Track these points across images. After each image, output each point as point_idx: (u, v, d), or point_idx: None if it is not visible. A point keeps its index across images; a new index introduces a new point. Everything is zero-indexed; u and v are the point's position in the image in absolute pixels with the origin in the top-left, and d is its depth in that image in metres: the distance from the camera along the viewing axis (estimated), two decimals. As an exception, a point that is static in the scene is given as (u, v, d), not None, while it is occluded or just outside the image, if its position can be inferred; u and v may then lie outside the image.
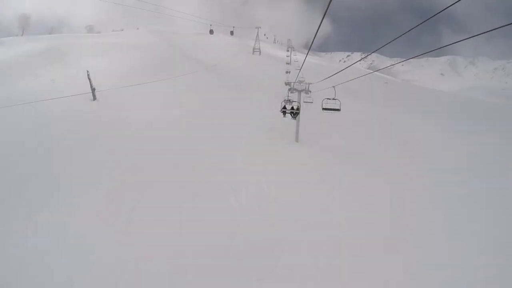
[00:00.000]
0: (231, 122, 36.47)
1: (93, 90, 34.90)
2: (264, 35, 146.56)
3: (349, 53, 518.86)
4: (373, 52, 13.19)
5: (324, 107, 24.05)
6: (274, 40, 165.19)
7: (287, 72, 60.20)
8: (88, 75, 35.31)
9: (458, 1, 6.63)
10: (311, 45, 14.22)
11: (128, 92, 37.51)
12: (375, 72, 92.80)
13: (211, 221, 19.43)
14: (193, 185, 22.92)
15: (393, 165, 31.21)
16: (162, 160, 25.71)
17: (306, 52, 18.29)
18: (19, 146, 24.46)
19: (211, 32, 62.23)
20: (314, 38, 12.07)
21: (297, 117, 31.82)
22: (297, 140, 33.58)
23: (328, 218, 21.37)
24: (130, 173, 23.31)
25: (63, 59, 51.03)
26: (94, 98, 34.88)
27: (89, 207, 19.27)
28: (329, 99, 23.40)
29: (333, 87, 22.34)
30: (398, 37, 9.32)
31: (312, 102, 31.93)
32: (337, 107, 23.57)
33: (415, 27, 8.51)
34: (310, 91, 33.04)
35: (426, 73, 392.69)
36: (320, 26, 10.31)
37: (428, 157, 34.29)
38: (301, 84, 33.61)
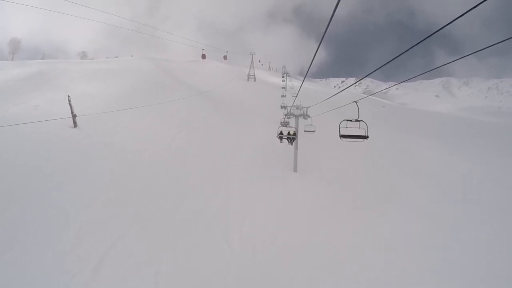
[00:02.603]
0: (224, 150, 34.07)
1: (73, 116, 32.85)
2: (259, 61, 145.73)
3: (343, 79, 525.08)
4: (366, 76, 11.84)
5: (343, 133, 16.70)
6: (269, 67, 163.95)
7: (282, 96, 59.02)
8: (69, 100, 33.38)
9: (447, 25, 6.59)
10: (308, 70, 13.85)
11: (113, 118, 35.79)
12: (372, 97, 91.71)
13: (196, 271, 16.50)
14: (177, 225, 20.08)
15: (402, 195, 27.98)
16: (145, 195, 23.10)
17: (302, 79, 17.09)
18: None
19: (203, 56, 60.99)
20: (310, 65, 12.03)
21: (294, 144, 29.65)
22: (295, 169, 30.84)
23: (335, 259, 18.37)
24: (107, 210, 20.63)
25: (50, 84, 50.15)
26: (75, 125, 32.76)
27: (55, 249, 16.63)
28: (350, 120, 16.34)
29: (355, 102, 15.65)
30: (390, 61, 9.09)
31: (314, 131, 29.14)
32: (363, 134, 16.46)
33: (407, 50, 8.19)
34: (309, 116, 30.85)
35: (421, 96, 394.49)
36: (315, 55, 10.48)
37: (438, 187, 31.43)
38: (299, 108, 31.56)
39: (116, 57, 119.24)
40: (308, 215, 23.02)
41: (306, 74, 15.21)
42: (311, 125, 28.33)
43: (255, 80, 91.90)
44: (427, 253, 19.41)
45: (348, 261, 18.24)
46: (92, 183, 23.48)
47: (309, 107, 31.16)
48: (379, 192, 28.04)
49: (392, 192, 28.26)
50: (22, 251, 16.17)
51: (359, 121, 16.05)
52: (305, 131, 28.87)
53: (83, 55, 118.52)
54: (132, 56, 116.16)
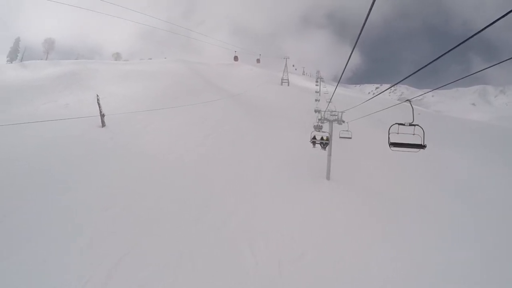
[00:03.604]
0: (253, 155, 32.59)
1: (102, 115, 32.42)
2: (293, 66, 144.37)
3: (378, 85, 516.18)
4: (400, 82, 10.66)
5: (393, 141, 13.61)
6: (303, 72, 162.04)
7: (316, 100, 57.82)
8: (97, 100, 33.05)
9: (484, 29, 6.12)
10: (341, 75, 13.08)
11: (143, 119, 35.23)
12: (407, 104, 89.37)
13: (216, 284, 14.93)
14: (199, 235, 18.45)
15: (437, 210, 25.82)
16: (165, 201, 21.68)
17: (336, 84, 15.63)
18: (8, 172, 22.20)
19: (236, 58, 59.96)
20: (344, 70, 11.67)
21: (328, 150, 28.15)
22: (328, 177, 28.84)
23: (369, 279, 16.44)
24: (124, 216, 19.39)
25: (81, 84, 50.44)
26: (103, 124, 32.36)
27: (68, 253, 15.57)
28: (402, 124, 13.43)
29: (409, 101, 12.86)
30: (425, 66, 8.52)
31: (350, 138, 27.67)
32: (419, 142, 13.37)
33: (442, 55, 7.63)
34: (344, 121, 29.43)
35: (457, 104, 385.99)
36: (349, 59, 10.07)
37: (476, 203, 29.14)
38: (333, 113, 30.18)
39: (150, 59, 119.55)
40: (340, 228, 21.02)
41: (340, 79, 14.38)
42: (347, 131, 26.87)
43: (288, 85, 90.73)
44: (465, 269, 17.91)
45: (382, 280, 16.45)
46: (110, 186, 22.47)
47: (344, 111, 29.76)
48: (414, 206, 26.09)
49: (427, 205, 26.42)
50: (33, 254, 15.22)
51: (413, 125, 12.53)
52: (340, 137, 27.42)
53: (117, 56, 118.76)
54: (165, 58, 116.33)
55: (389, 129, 13.47)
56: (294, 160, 31.89)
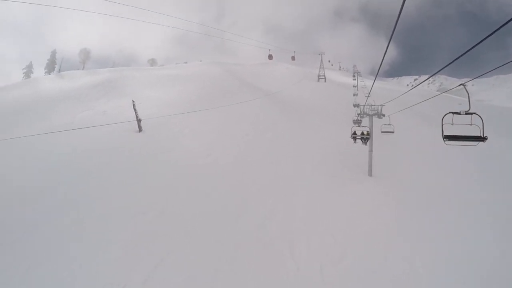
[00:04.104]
0: (292, 153, 31.71)
1: (138, 121, 32.46)
2: (329, 61, 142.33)
3: (416, 77, 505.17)
4: (438, 72, 9.82)
5: (448, 134, 11.64)
6: (339, 67, 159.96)
7: (354, 95, 56.78)
8: (133, 105, 33.16)
9: None
10: (379, 68, 13.04)
11: (179, 123, 35.13)
12: (448, 95, 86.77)
13: None
14: (236, 239, 17.68)
15: (491, 208, 22.93)
16: (202, 204, 21.15)
17: (373, 78, 14.65)
18: (46, 178, 22.63)
19: (270, 57, 59.21)
20: (381, 63, 11.55)
21: (369, 146, 27.16)
22: (370, 173, 27.68)
23: (418, 284, 15.16)
24: (160, 220, 19.02)
25: (118, 91, 50.99)
26: (140, 129, 32.38)
27: (102, 261, 15.22)
28: (457, 113, 11.74)
29: (463, 84, 10.81)
30: (462, 55, 8.15)
31: (393, 132, 26.50)
32: (478, 134, 12.33)
33: (479, 42, 7.22)
34: (384, 115, 28.37)
35: (498, 92, 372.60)
36: (386, 52, 10.10)
37: None
38: (372, 107, 29.18)
39: (185, 63, 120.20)
40: (384, 228, 19.58)
41: (378, 72, 14.03)
42: (389, 124, 25.84)
43: (325, 81, 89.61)
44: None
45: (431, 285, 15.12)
46: (147, 190, 22.26)
47: (384, 105, 28.72)
48: (464, 201, 23.66)
49: (475, 201, 23.92)
50: (68, 260, 15.04)
51: (470, 113, 10.99)
52: (382, 131, 26.44)
53: (153, 62, 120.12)
54: (200, 61, 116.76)
55: (442, 119, 11.56)
56: (334, 157, 30.97)
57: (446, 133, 11.53)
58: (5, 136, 25.79)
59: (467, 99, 12.49)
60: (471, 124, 10.74)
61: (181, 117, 35.67)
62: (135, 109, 33.27)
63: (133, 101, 33.97)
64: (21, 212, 18.67)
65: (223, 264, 15.53)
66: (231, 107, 42.54)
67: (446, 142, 11.70)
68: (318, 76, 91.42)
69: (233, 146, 32.16)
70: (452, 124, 10.99)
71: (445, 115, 11.34)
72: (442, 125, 11.48)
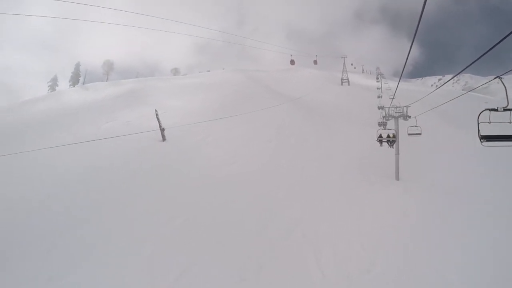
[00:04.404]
0: (317, 159, 31.41)
1: (162, 130, 32.52)
2: (351, 64, 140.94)
3: (440, 77, 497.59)
4: (463, 71, 9.33)
5: (485, 134, 10.67)
6: (362, 69, 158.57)
7: (378, 97, 56.18)
8: (156, 114, 33.25)
9: None
10: (403, 69, 12.81)
11: (203, 131, 35.09)
12: (473, 94, 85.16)
13: None
14: (261, 247, 17.33)
15: None
16: (227, 212, 20.88)
17: (397, 79, 14.18)
18: (73, 188, 22.77)
19: (292, 62, 58.69)
20: (405, 64, 11.63)
21: (395, 148, 26.64)
22: (397, 177, 27.13)
23: None
24: (186, 228, 18.83)
25: (141, 101, 51.37)
26: (164, 138, 32.42)
27: (126, 270, 15.10)
28: (495, 109, 10.59)
29: (499, 77, 9.90)
30: (487, 52, 7.88)
31: (420, 134, 26.10)
32: None
33: (504, 38, 7.02)
34: (410, 117, 27.74)
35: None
36: (409, 54, 10.17)
37: None
38: (397, 109, 28.61)
39: (208, 71, 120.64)
40: (414, 234, 18.83)
41: (402, 73, 13.65)
42: (416, 126, 25.26)
43: (349, 84, 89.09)
44: None
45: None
46: (172, 199, 22.08)
47: (409, 106, 28.13)
48: (501, 207, 22.24)
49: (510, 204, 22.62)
50: (91, 271, 14.90)
51: (509, 109, 9.93)
52: (409, 134, 25.88)
53: (176, 72, 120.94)
54: (223, 69, 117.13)
55: (478, 117, 10.33)
56: (360, 161, 30.59)
57: (483, 133, 10.48)
58: (33, 147, 25.98)
59: (494, 97, 11.86)
60: (510, 122, 9.88)
61: (205, 125, 35.62)
62: (158, 119, 33.40)
63: (156, 111, 34.09)
64: (47, 219, 18.72)
65: (248, 273, 15.26)
66: (254, 113, 42.29)
67: (484, 143, 10.43)
68: (342, 79, 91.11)
69: (258, 153, 31.92)
70: (489, 122, 10.22)
71: (481, 112, 10.32)
72: (478, 124, 10.39)
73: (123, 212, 20.01)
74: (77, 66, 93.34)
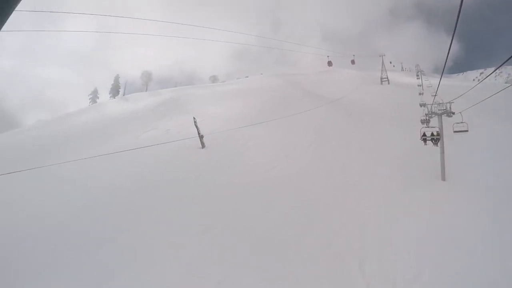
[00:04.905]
0: (359, 162, 30.49)
1: (201, 137, 32.52)
2: (390, 62, 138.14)
3: (482, 70, 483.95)
4: (505, 63, 8.79)
5: None
6: (402, 67, 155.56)
7: (420, 94, 55.00)
8: (195, 122, 33.33)
9: None
10: (444, 65, 12.97)
11: (243, 136, 34.88)
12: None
13: None
14: (302, 256, 16.62)
15: None
16: (266, 219, 20.31)
17: (437, 76, 13.64)
18: (111, 197, 22.87)
19: (330, 63, 58.11)
20: (447, 59, 11.49)
21: (440, 147, 25.54)
22: (443, 177, 25.67)
23: None
24: (223, 237, 18.37)
25: (181, 109, 51.67)
26: (203, 145, 32.38)
27: (163, 280, 14.81)
28: None
29: None
30: None
31: (467, 131, 25.07)
32: None
33: None
34: (453, 113, 26.71)
35: None
36: (450, 49, 10.01)
37: None
38: (440, 105, 27.66)
39: (247, 77, 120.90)
40: (465, 239, 17.49)
41: (443, 69, 13.87)
42: (462, 122, 24.33)
43: (388, 83, 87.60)
44: None
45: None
46: (210, 207, 21.70)
47: (453, 102, 27.14)
48: None
49: None
50: (129, 281, 14.73)
51: None
52: (455, 131, 24.96)
53: (214, 79, 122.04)
54: (262, 74, 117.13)
55: None
56: (404, 162, 29.44)
57: None
58: (75, 157, 26.30)
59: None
60: None
61: (244, 131, 35.39)
62: (196, 126, 33.45)
63: (194, 118, 34.19)
64: (87, 230, 18.65)
65: (288, 283, 14.68)
66: (294, 117, 41.82)
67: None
68: (381, 78, 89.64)
69: (298, 157, 31.40)
70: None
71: None
72: None
73: (161, 221, 19.84)
74: (117, 78, 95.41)
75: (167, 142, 28.07)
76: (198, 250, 17.03)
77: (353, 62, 73.08)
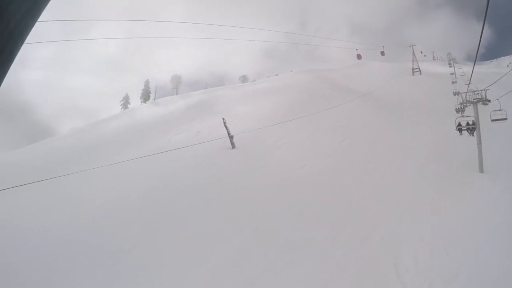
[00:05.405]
0: (392, 156, 29.76)
1: (230, 137, 32.49)
2: (421, 52, 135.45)
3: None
4: None
5: None
6: (433, 57, 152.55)
7: (453, 83, 53.90)
8: (224, 122, 33.39)
9: None
10: (477, 51, 12.74)
11: (273, 135, 34.64)
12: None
13: None
14: (334, 255, 16.07)
15: None
16: (297, 219, 19.76)
17: (469, 64, 13.32)
18: (142, 200, 23.29)
19: (359, 57, 57.15)
20: (479, 46, 11.34)
21: (477, 137, 24.69)
22: (481, 169, 24.53)
23: None
24: (252, 240, 17.97)
25: (211, 110, 51.81)
26: (233, 146, 32.38)
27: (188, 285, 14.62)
28: None
29: None
30: None
31: (506, 119, 23.98)
32: None
33: None
34: (489, 101, 25.88)
35: None
36: (481, 35, 9.79)
37: None
38: (475, 93, 26.89)
39: (276, 75, 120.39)
40: (505, 236, 16.39)
41: (476, 55, 13.68)
42: (500, 110, 23.55)
43: (420, 73, 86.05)
44: None
45: None
46: (240, 210, 21.25)
47: (488, 89, 26.33)
48: None
49: None
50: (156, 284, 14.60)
51: None
52: (492, 120, 24.15)
53: (244, 79, 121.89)
54: (291, 71, 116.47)
55: None
56: (439, 154, 28.51)
57: None
58: (106, 163, 26.56)
59: None
60: None
61: (274, 130, 35.11)
62: (226, 127, 33.65)
63: (223, 119, 34.29)
64: (119, 236, 18.71)
65: (319, 286, 14.20)
66: (325, 113, 41.31)
67: None
68: (412, 69, 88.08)
69: (329, 154, 30.94)
70: None
71: None
72: None
73: (192, 223, 19.74)
74: (147, 83, 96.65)
75: (195, 144, 28.04)
76: (225, 256, 16.66)
77: (382, 53, 71.78)
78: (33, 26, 1.51)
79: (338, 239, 17.56)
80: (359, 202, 21.94)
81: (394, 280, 14.13)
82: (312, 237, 17.76)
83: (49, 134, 75.62)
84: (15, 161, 36.87)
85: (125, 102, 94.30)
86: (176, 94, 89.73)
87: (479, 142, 24.74)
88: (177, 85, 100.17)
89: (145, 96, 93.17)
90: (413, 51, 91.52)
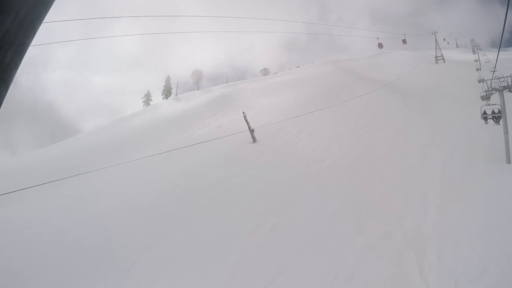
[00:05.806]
0: (417, 147, 28.93)
1: (251, 131, 32.31)
2: (444, 39, 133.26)
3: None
4: None
5: None
6: (456, 44, 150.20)
7: (477, 70, 52.94)
8: (244, 116, 33.28)
9: None
10: (501, 37, 12.43)
11: (295, 127, 34.41)
12: None
13: None
14: (356, 251, 15.58)
15: None
16: (319, 214, 19.33)
17: (494, 50, 13.04)
18: (162, 196, 23.36)
19: (380, 46, 56.39)
20: (503, 32, 11.22)
21: (503, 126, 23.90)
22: (508, 160, 23.60)
23: None
24: (273, 235, 17.61)
25: (232, 104, 51.87)
26: (254, 140, 32.18)
27: (206, 283, 14.34)
28: None
29: None
30: None
31: None
32: None
33: None
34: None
35: None
36: (505, 21, 9.64)
37: None
38: (501, 80, 26.20)
39: (298, 67, 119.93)
40: None
41: (501, 41, 13.63)
42: None
43: (444, 61, 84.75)
44: None
45: None
46: (261, 205, 20.94)
47: (514, 75, 25.68)
48: None
49: None
50: (174, 281, 14.52)
51: None
52: None
53: (265, 72, 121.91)
54: (313, 63, 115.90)
55: None
56: (464, 145, 27.79)
57: None
58: (128, 159, 26.66)
59: None
60: None
61: (296, 122, 34.85)
62: (246, 120, 33.62)
63: (243, 113, 34.24)
64: (139, 234, 18.69)
65: (340, 282, 13.72)
66: (347, 104, 40.80)
67: None
68: (436, 57, 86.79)
69: (352, 146, 30.56)
70: None
71: None
72: None
73: (211, 219, 19.57)
74: (168, 79, 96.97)
75: (215, 138, 27.93)
76: (245, 252, 16.38)
77: (404, 41, 70.72)
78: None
79: (360, 234, 17.07)
80: (383, 195, 21.35)
81: (417, 277, 13.52)
82: (333, 233, 17.37)
83: (74, 132, 76.90)
84: (37, 161, 37.47)
85: (147, 98, 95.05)
86: (198, 89, 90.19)
87: (506, 132, 23.93)
88: (198, 80, 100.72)
89: (167, 92, 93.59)
90: (435, 38, 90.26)
